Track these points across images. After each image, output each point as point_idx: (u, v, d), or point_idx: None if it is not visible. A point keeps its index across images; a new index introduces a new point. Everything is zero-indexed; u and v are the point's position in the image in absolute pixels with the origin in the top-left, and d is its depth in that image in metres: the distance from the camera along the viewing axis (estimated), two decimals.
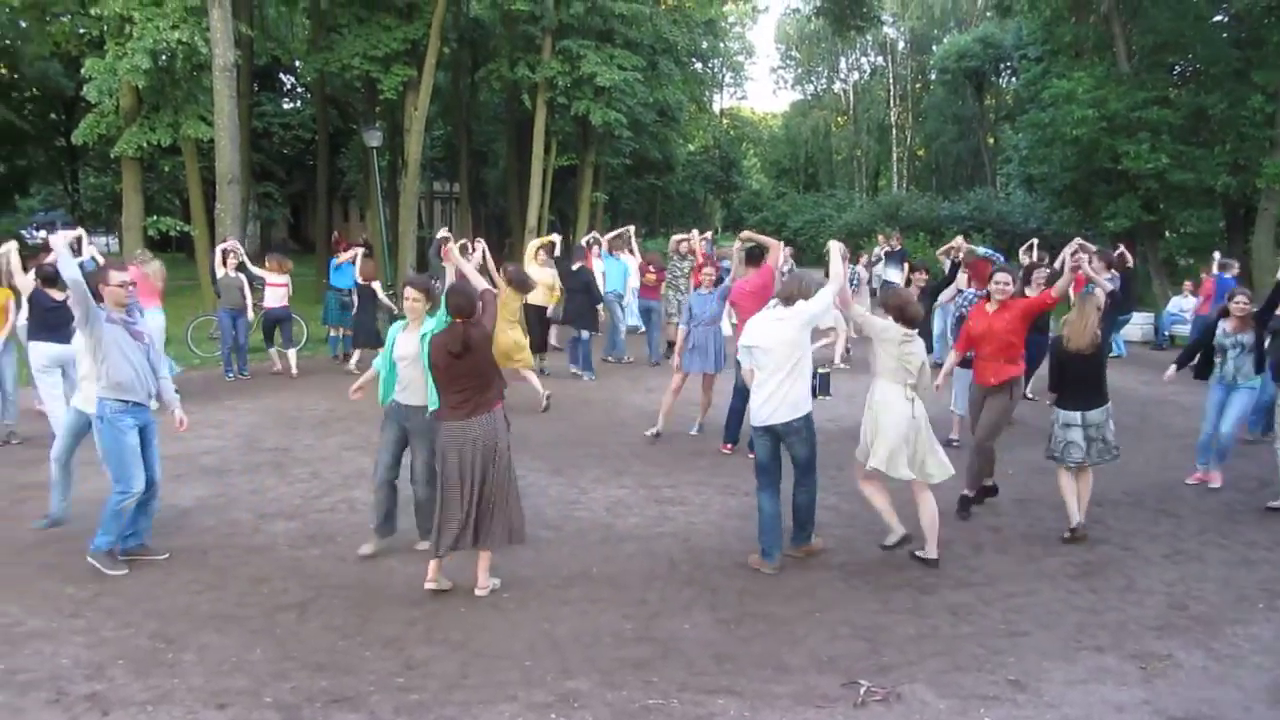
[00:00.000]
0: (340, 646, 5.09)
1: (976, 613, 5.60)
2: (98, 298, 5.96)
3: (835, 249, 6.76)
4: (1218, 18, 23.86)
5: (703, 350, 9.73)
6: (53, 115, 35.13)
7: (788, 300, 6.33)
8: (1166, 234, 25.51)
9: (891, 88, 57.73)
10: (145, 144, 18.71)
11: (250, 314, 13.87)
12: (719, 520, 7.31)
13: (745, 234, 9.84)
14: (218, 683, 4.66)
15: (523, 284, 11.23)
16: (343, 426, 10.49)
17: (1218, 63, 22.27)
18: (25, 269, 8.97)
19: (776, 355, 6.14)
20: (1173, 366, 8.60)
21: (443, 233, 12.33)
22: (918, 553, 6.37)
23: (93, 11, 17.92)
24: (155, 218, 20.17)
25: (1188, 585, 6.04)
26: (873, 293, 19.40)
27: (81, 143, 20.21)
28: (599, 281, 15.07)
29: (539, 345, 13.85)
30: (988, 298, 7.66)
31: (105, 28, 18.07)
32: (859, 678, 4.76)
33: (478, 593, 5.76)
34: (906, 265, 18.59)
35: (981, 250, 12.09)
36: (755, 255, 10.00)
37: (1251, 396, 8.30)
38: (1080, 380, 6.90)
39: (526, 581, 6.02)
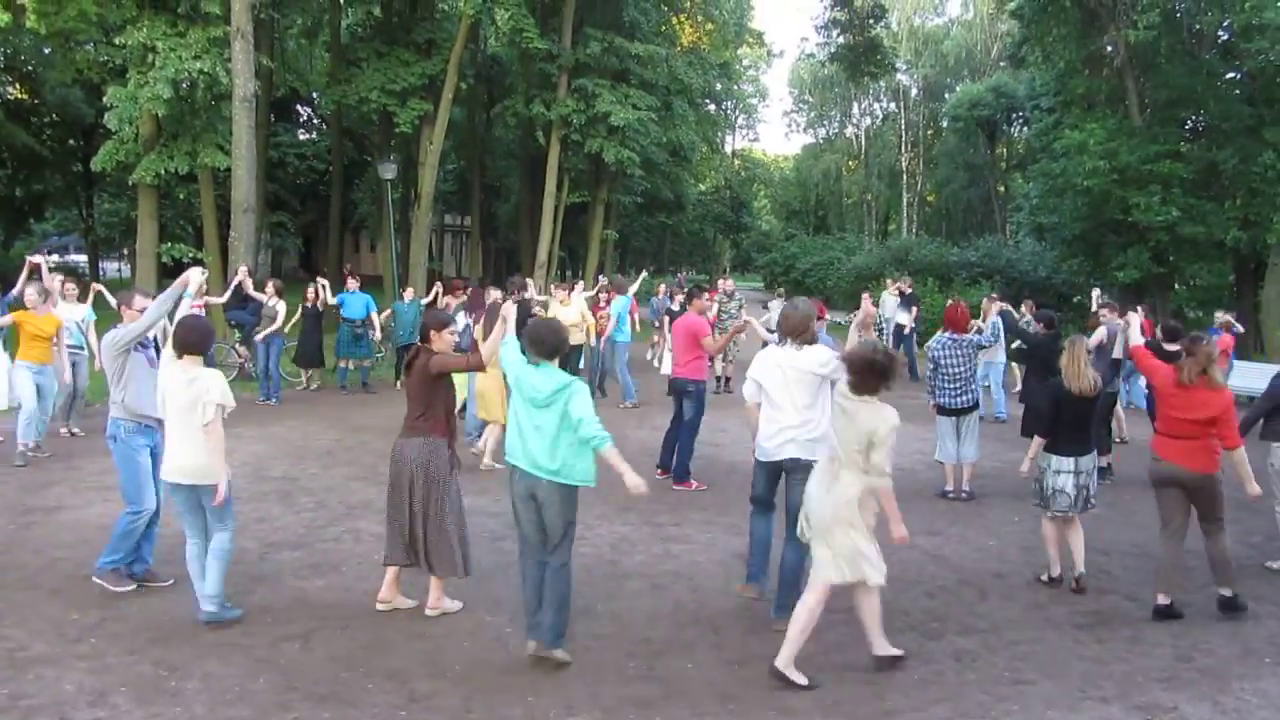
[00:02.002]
0: (344, 678, 5.08)
1: (981, 660, 5.57)
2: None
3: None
4: (1231, 74, 24.07)
5: None
6: (71, 141, 35.47)
7: (795, 338, 5.93)
8: (1176, 286, 25.56)
9: (903, 133, 58.19)
10: (163, 171, 18.92)
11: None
12: (724, 559, 7.29)
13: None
14: (221, 712, 4.65)
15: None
16: (349, 457, 10.52)
17: (1230, 119, 22.42)
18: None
19: (791, 393, 5.85)
20: None
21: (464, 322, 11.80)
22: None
23: (117, 40, 18.18)
24: (169, 244, 20.33)
25: (1194, 638, 6.00)
26: (879, 333, 19.39)
27: (100, 169, 20.42)
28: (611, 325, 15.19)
29: None
30: (1179, 369, 6.44)
31: (128, 56, 18.32)
32: None
33: (428, 612, 5.94)
34: (916, 309, 18.62)
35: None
36: (691, 296, 10.51)
37: None
38: (1075, 425, 6.78)
39: None
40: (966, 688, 5.20)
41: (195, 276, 6.24)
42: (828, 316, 9.77)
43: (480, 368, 6.22)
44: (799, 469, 5.81)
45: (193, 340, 5.67)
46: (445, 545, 5.79)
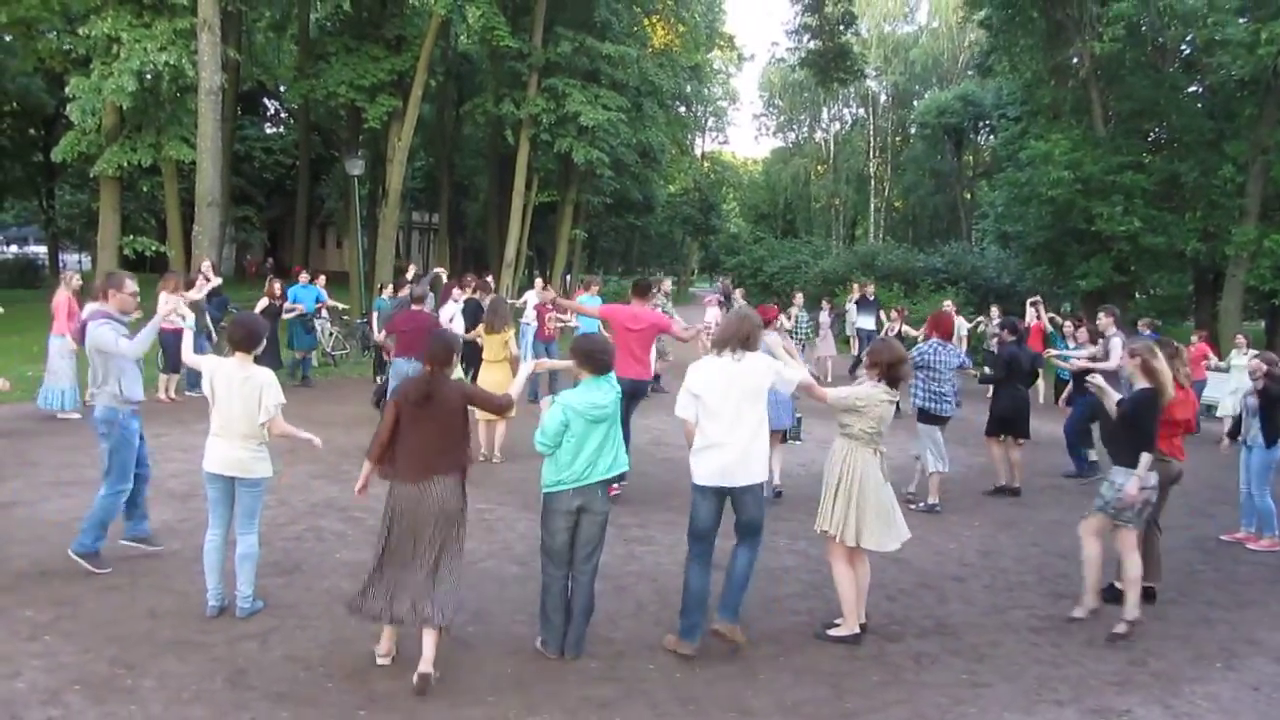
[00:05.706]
0: (302, 677, 5.04)
1: (940, 662, 5.63)
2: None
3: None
4: (1193, 88, 24.49)
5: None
6: (32, 131, 34.95)
7: (741, 345, 5.47)
8: (1137, 295, 25.96)
9: (871, 139, 58.57)
10: (125, 164, 18.71)
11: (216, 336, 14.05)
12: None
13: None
14: (177, 711, 4.60)
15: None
16: (311, 455, 10.34)
17: (1191, 131, 22.82)
18: None
19: (738, 408, 5.41)
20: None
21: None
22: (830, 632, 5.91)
23: (80, 30, 17.93)
24: (131, 237, 20.10)
25: (1148, 642, 6.09)
26: (847, 340, 19.58)
27: (61, 160, 20.15)
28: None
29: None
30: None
31: (92, 46, 18.09)
32: None
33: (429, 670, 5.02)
34: (881, 312, 18.72)
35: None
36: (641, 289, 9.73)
37: (1262, 456, 8.34)
38: None
39: (492, 616, 6.00)
40: (925, 690, 5.25)
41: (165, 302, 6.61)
42: (780, 321, 9.70)
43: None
44: (748, 491, 5.51)
45: (241, 337, 5.82)
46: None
